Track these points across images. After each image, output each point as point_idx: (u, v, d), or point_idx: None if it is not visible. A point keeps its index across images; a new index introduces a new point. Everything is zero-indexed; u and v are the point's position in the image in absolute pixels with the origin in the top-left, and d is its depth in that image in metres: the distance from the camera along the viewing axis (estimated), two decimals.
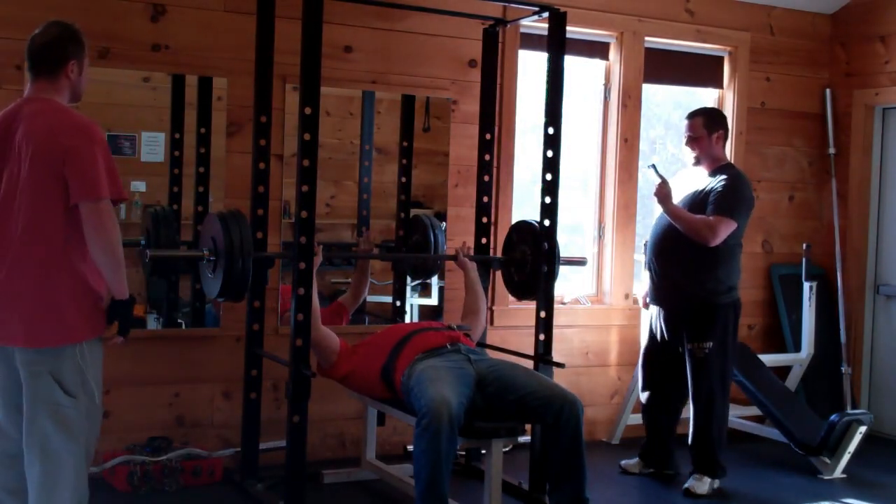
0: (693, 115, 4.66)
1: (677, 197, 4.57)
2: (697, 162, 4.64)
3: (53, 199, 2.94)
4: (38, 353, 2.95)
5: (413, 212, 4.99)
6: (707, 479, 4.55)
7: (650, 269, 4.71)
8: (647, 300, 4.84)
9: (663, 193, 4.53)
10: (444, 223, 5.02)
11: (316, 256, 3.96)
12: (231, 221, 3.84)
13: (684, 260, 4.54)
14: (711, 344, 4.51)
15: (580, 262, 4.86)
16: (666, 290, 4.63)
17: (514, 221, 4.99)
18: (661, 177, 4.56)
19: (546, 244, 4.31)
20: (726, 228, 4.42)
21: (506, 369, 3.97)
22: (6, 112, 3.09)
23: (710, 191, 4.51)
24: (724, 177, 4.53)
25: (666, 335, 4.67)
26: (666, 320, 4.67)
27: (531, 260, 4.41)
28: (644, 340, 4.86)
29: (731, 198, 4.46)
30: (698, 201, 4.53)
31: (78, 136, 2.96)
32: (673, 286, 4.60)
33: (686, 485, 4.58)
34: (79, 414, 2.98)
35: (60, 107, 3.06)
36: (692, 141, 4.62)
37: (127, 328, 3.09)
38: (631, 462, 4.90)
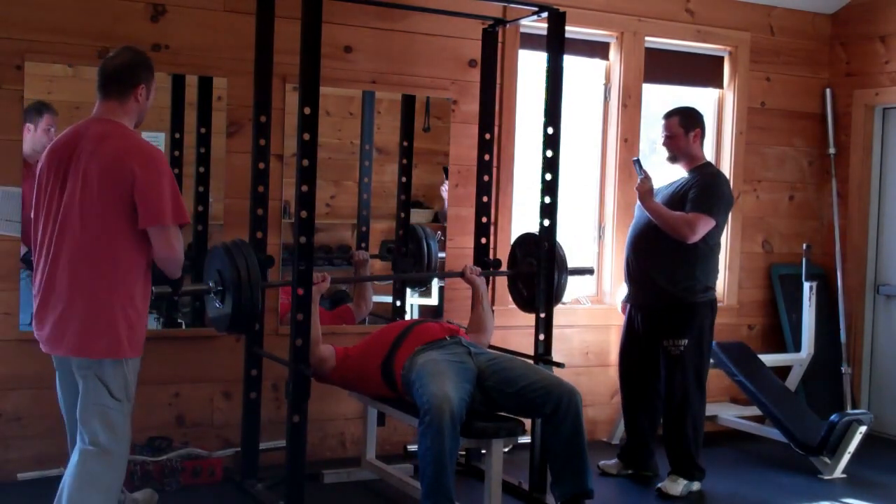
0: (669, 115, 4.66)
1: (656, 194, 4.58)
2: (674, 160, 4.65)
3: (119, 220, 3.12)
4: (89, 360, 3.17)
5: (412, 211, 4.99)
6: (682, 481, 4.49)
7: (627, 266, 4.70)
8: (625, 302, 4.82)
9: (645, 189, 4.53)
10: (439, 233, 5.02)
11: (323, 282, 4.00)
12: (236, 252, 3.79)
13: (662, 257, 4.53)
14: (686, 341, 4.49)
15: (588, 271, 4.84)
16: (643, 287, 4.62)
17: (514, 232, 5.00)
18: (643, 172, 4.56)
19: (546, 244, 4.31)
20: (705, 225, 4.43)
21: (505, 363, 3.99)
22: (73, 130, 3.24)
23: (689, 189, 4.51)
24: (702, 175, 4.55)
25: (643, 333, 4.66)
26: (643, 318, 4.66)
27: (539, 272, 4.33)
28: (621, 338, 4.83)
29: (710, 196, 4.46)
30: (676, 199, 4.53)
31: (146, 164, 3.13)
32: (650, 283, 4.58)
33: (659, 485, 4.54)
34: (124, 417, 3.23)
35: (127, 131, 3.23)
36: (668, 140, 4.63)
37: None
38: (609, 463, 4.85)
